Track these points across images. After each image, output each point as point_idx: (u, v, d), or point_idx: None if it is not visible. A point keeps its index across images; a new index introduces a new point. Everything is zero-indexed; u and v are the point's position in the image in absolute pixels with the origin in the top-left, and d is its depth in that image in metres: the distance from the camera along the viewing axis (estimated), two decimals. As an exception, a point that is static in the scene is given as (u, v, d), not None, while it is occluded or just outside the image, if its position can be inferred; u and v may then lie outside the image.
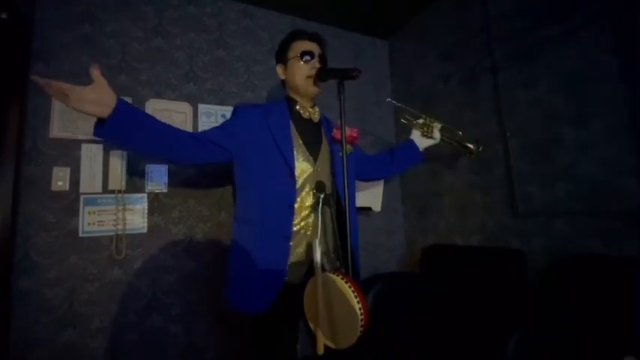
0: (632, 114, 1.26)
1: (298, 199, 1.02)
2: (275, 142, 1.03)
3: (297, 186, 1.02)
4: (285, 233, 0.99)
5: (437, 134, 1.41)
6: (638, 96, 1.25)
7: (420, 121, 1.43)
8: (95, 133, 0.88)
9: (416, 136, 1.42)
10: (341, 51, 2.45)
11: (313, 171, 1.05)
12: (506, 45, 1.74)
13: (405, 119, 1.52)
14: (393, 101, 1.54)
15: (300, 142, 1.07)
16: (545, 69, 1.55)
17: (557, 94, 1.50)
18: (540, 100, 1.57)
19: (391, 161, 1.40)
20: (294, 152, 1.04)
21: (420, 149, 1.41)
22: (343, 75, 0.94)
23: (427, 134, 1.40)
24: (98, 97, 0.83)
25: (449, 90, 2.11)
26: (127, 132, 0.91)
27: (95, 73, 0.84)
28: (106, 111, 0.84)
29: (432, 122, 1.42)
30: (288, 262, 0.98)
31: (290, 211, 1.00)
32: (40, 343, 1.42)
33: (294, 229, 1.00)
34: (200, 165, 1.10)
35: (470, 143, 1.62)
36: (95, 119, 0.87)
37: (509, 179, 1.70)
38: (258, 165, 1.04)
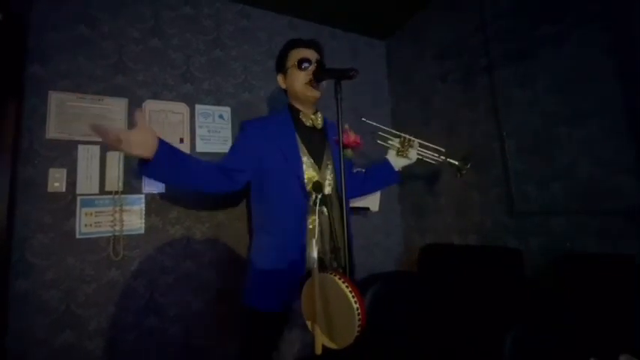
0: (628, 113, 1.27)
1: (312, 208, 1.08)
2: (283, 154, 1.09)
3: (307, 193, 1.08)
4: (302, 241, 1.05)
5: (413, 154, 1.34)
6: (634, 95, 1.26)
7: (397, 140, 1.36)
8: (140, 172, 0.96)
9: (391, 155, 1.36)
10: (338, 51, 2.45)
11: (319, 178, 1.11)
12: (502, 45, 1.74)
13: (382, 139, 1.40)
14: (368, 121, 1.36)
15: (305, 151, 1.12)
16: (542, 68, 1.55)
17: (554, 93, 1.51)
18: (537, 99, 1.58)
19: (363, 180, 1.38)
20: (302, 163, 1.09)
21: (396, 169, 1.36)
22: (340, 75, 0.94)
23: (402, 154, 1.33)
24: (144, 139, 0.88)
25: (446, 90, 2.12)
26: (167, 171, 0.97)
27: (139, 116, 0.89)
28: (150, 152, 0.90)
29: (410, 141, 1.35)
30: (302, 265, 1.05)
31: (302, 216, 1.07)
32: (38, 345, 1.41)
33: (311, 232, 1.07)
34: (225, 193, 1.18)
35: (456, 160, 1.46)
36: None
37: (507, 178, 1.70)
38: (271, 178, 1.10)
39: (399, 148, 1.32)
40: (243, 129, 1.18)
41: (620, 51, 1.30)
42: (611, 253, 1.29)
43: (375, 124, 1.36)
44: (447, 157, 1.42)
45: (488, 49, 1.82)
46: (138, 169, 0.94)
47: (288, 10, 2.24)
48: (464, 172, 1.45)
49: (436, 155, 1.42)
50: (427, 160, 1.41)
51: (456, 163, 1.44)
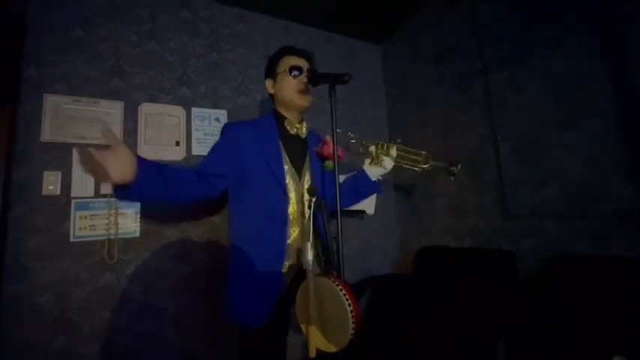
0: (620, 117, 1.29)
1: (293, 214, 1.08)
2: (266, 160, 1.08)
3: (289, 202, 1.08)
4: (279, 249, 1.05)
5: (388, 162, 1.21)
6: (625, 99, 1.28)
7: (371, 148, 1.22)
8: (116, 196, 0.86)
9: (366, 164, 1.24)
10: (334, 55, 2.47)
11: (299, 186, 1.11)
12: (496, 49, 1.77)
13: (360, 148, 1.26)
14: (340, 130, 1.08)
15: (287, 159, 1.12)
16: (535, 73, 1.57)
17: (547, 97, 1.53)
18: (530, 103, 1.60)
19: (342, 193, 1.27)
20: (285, 172, 1.09)
21: (372, 179, 1.24)
22: (334, 79, 0.95)
23: (376, 162, 1.21)
24: (123, 166, 0.79)
25: (441, 93, 2.14)
26: (149, 190, 0.90)
27: (109, 135, 0.80)
28: (130, 175, 0.82)
29: (386, 148, 1.22)
30: (282, 275, 1.05)
31: (284, 228, 1.06)
32: (31, 350, 1.40)
33: (287, 242, 1.06)
34: (204, 200, 1.11)
35: (446, 166, 1.39)
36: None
37: (501, 181, 1.72)
38: (251, 183, 1.08)
39: (372, 156, 1.21)
40: (225, 132, 1.14)
41: (611, 55, 1.32)
42: (603, 255, 1.31)
43: (351, 134, 1.21)
44: (430, 164, 1.32)
45: (482, 53, 1.84)
46: (114, 193, 0.85)
47: (284, 14, 2.25)
48: (455, 173, 1.38)
49: (419, 160, 1.31)
50: (407, 167, 1.30)
51: (442, 165, 1.37)
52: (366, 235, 2.35)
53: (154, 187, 0.91)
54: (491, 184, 1.78)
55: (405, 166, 1.30)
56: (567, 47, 1.45)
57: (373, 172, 1.23)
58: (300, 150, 1.16)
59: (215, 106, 1.97)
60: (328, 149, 1.12)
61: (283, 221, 1.06)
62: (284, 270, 1.06)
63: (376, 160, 1.21)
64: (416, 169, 1.32)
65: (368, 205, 2.08)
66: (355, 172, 1.27)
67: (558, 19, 1.48)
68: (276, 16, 2.26)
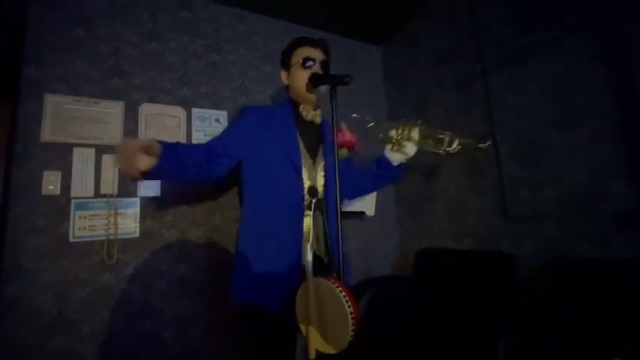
0: (620, 118, 1.30)
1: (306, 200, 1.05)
2: (282, 145, 1.07)
3: (304, 187, 1.06)
4: (297, 232, 1.02)
5: (410, 148, 1.15)
6: (624, 101, 1.28)
7: (392, 132, 1.16)
8: (145, 178, 0.90)
9: (387, 150, 1.20)
10: (335, 57, 2.43)
11: (313, 172, 1.09)
12: (496, 51, 1.77)
13: (379, 133, 1.21)
14: (357, 115, 1.14)
15: (302, 145, 1.10)
16: (535, 75, 1.58)
17: (546, 99, 1.53)
18: (530, 105, 1.60)
19: (364, 179, 1.26)
20: (302, 159, 1.08)
21: (394, 164, 1.19)
22: (335, 81, 0.95)
23: (397, 147, 1.16)
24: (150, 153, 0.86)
25: (441, 95, 2.14)
26: (164, 173, 0.95)
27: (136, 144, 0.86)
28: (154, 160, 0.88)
29: (408, 131, 1.15)
30: (300, 264, 0.99)
31: (299, 211, 1.04)
32: (30, 350, 1.39)
33: (307, 227, 1.04)
34: (214, 181, 1.11)
35: (474, 143, 1.29)
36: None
37: (501, 183, 1.72)
38: (267, 167, 1.08)
39: (393, 142, 1.16)
40: (242, 114, 1.15)
41: (611, 58, 1.32)
42: (602, 257, 1.31)
43: (368, 118, 1.15)
44: (456, 145, 1.20)
45: (482, 55, 1.84)
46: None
47: (285, 15, 2.26)
48: (486, 149, 1.28)
49: (444, 141, 1.20)
50: (431, 150, 1.21)
51: (471, 141, 1.25)
52: (366, 236, 2.34)
53: (169, 170, 0.95)
54: (492, 185, 1.79)
55: (429, 149, 1.21)
56: (567, 48, 1.46)
57: (395, 157, 1.18)
58: (315, 137, 1.15)
59: (215, 107, 1.97)
60: (343, 137, 1.10)
61: (297, 205, 1.04)
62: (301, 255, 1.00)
63: (397, 146, 1.15)
64: (441, 151, 1.21)
65: (368, 205, 2.08)
66: (378, 157, 1.23)
67: (558, 21, 1.49)
68: (277, 17, 2.26)
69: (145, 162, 0.85)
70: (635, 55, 1.25)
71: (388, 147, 1.19)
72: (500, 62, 1.74)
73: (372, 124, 1.16)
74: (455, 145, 1.22)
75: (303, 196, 1.04)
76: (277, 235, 1.03)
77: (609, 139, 1.32)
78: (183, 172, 1.00)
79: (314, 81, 1.07)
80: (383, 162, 1.20)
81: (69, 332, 1.47)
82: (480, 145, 1.29)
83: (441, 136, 1.22)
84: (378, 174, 1.22)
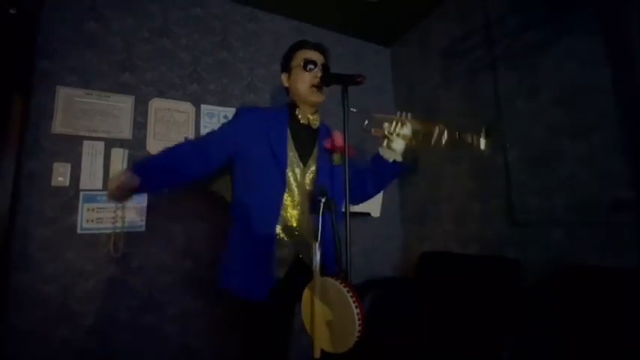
0: (630, 127, 1.28)
1: (287, 198, 1.07)
2: (270, 146, 1.08)
3: (287, 187, 1.07)
4: (271, 230, 1.05)
5: (396, 143, 1.09)
6: (636, 109, 1.27)
7: (385, 125, 1.09)
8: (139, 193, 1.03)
9: (382, 147, 1.14)
10: (344, 57, 2.47)
11: (301, 174, 1.11)
12: (507, 55, 1.76)
13: (372, 128, 1.14)
14: (355, 110, 1.00)
15: (293, 147, 1.11)
16: (546, 80, 1.57)
17: (557, 106, 1.52)
18: (540, 111, 1.59)
19: (363, 182, 1.20)
20: (287, 156, 1.09)
21: (389, 161, 1.13)
22: (347, 81, 0.94)
23: (388, 145, 1.10)
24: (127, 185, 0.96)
25: (450, 98, 2.13)
26: (154, 186, 1.07)
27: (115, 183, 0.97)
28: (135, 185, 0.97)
29: (399, 124, 1.07)
30: (276, 258, 1.04)
31: (277, 210, 1.06)
32: (35, 339, 1.41)
33: (284, 224, 1.06)
34: (206, 177, 1.16)
35: (473, 136, 1.02)
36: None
37: (508, 189, 1.71)
38: (254, 165, 1.09)
39: (385, 136, 1.09)
40: (237, 114, 1.18)
41: (622, 65, 1.31)
42: (610, 266, 1.29)
43: (372, 114, 1.10)
44: (447, 136, 1.03)
45: (493, 59, 1.83)
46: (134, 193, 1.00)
47: (296, 15, 2.26)
48: (485, 142, 1.00)
49: (435, 134, 1.05)
50: (424, 146, 1.08)
51: (468, 135, 1.02)
52: (370, 238, 2.34)
53: (158, 182, 1.06)
54: (499, 190, 1.77)
55: (421, 145, 1.09)
56: (579, 55, 1.44)
57: (387, 154, 1.12)
58: (309, 140, 1.15)
59: (224, 104, 1.98)
60: (338, 141, 1.09)
61: (277, 203, 1.06)
62: (278, 250, 1.05)
63: (389, 142, 1.09)
64: (432, 144, 1.05)
65: (374, 207, 2.08)
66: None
67: (570, 28, 1.47)
68: (288, 17, 2.27)
69: (126, 195, 0.99)
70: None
71: (384, 142, 1.13)
72: (512, 67, 1.73)
73: (367, 122, 1.13)
74: (445, 137, 1.05)
75: (283, 194, 1.07)
76: (255, 230, 1.05)
77: (620, 147, 1.30)
78: (175, 174, 1.07)
79: (326, 80, 1.06)
80: (377, 159, 1.15)
81: (73, 323, 1.48)
82: (474, 139, 1.01)
83: (432, 130, 1.06)
84: (374, 171, 1.18)
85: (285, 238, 1.06)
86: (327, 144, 1.14)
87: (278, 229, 1.05)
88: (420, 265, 2.03)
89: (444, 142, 1.05)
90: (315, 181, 1.12)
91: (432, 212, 2.20)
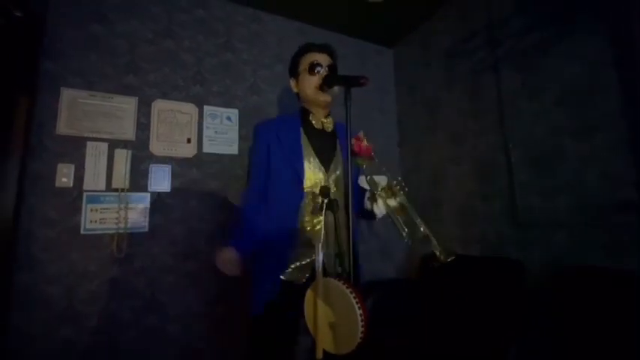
0: (633, 128, 1.28)
1: (307, 207, 1.07)
2: (284, 152, 1.09)
3: (305, 193, 1.07)
4: (289, 237, 1.05)
5: (378, 207, 1.07)
6: (638, 110, 1.26)
7: (380, 187, 1.03)
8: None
9: (361, 181, 1.11)
10: (347, 58, 2.46)
11: (325, 179, 1.09)
12: (509, 56, 1.76)
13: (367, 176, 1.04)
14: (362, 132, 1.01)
15: (312, 151, 1.10)
16: (549, 81, 1.56)
17: (560, 106, 1.51)
18: (544, 111, 1.58)
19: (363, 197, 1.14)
20: (304, 162, 1.08)
21: (366, 206, 1.11)
22: (350, 82, 0.94)
23: (374, 200, 1.06)
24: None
25: (452, 99, 2.13)
26: (252, 243, 1.12)
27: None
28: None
29: (389, 194, 1.03)
30: (290, 264, 1.04)
31: (294, 217, 1.06)
32: (38, 339, 1.41)
33: (301, 233, 1.06)
34: None
35: (436, 249, 0.98)
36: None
37: (511, 190, 1.70)
38: (273, 175, 1.10)
39: (375, 192, 1.03)
40: (255, 135, 1.18)
41: (625, 65, 1.30)
42: (613, 267, 1.29)
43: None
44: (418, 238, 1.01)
45: (495, 60, 1.83)
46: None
47: (298, 16, 2.26)
48: (441, 260, 0.96)
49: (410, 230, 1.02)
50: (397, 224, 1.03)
51: (436, 252, 0.97)
52: (373, 239, 2.34)
53: (254, 243, 1.11)
54: (502, 191, 1.77)
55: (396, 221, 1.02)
56: (581, 55, 1.44)
57: (367, 204, 1.10)
58: (328, 144, 1.15)
59: (227, 105, 1.98)
60: (359, 146, 1.08)
61: (294, 210, 1.07)
62: (296, 262, 1.05)
63: (374, 199, 1.07)
64: (403, 234, 1.01)
65: (378, 206, 2.07)
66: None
67: (573, 28, 1.47)
68: (291, 18, 2.27)
69: (237, 268, 1.11)
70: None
71: (363, 178, 1.06)
72: (514, 67, 1.73)
73: (369, 177, 1.03)
74: (414, 238, 1.02)
75: (300, 201, 1.07)
76: (272, 238, 1.07)
77: (623, 148, 1.30)
78: (259, 225, 1.10)
79: (329, 81, 1.06)
80: (356, 187, 1.13)
81: (76, 323, 1.49)
82: (439, 255, 0.97)
83: (411, 224, 1.03)
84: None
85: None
86: (354, 147, 1.01)
87: (297, 236, 1.06)
88: (423, 266, 2.03)
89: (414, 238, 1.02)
90: (339, 184, 1.11)
91: (434, 213, 2.20)
